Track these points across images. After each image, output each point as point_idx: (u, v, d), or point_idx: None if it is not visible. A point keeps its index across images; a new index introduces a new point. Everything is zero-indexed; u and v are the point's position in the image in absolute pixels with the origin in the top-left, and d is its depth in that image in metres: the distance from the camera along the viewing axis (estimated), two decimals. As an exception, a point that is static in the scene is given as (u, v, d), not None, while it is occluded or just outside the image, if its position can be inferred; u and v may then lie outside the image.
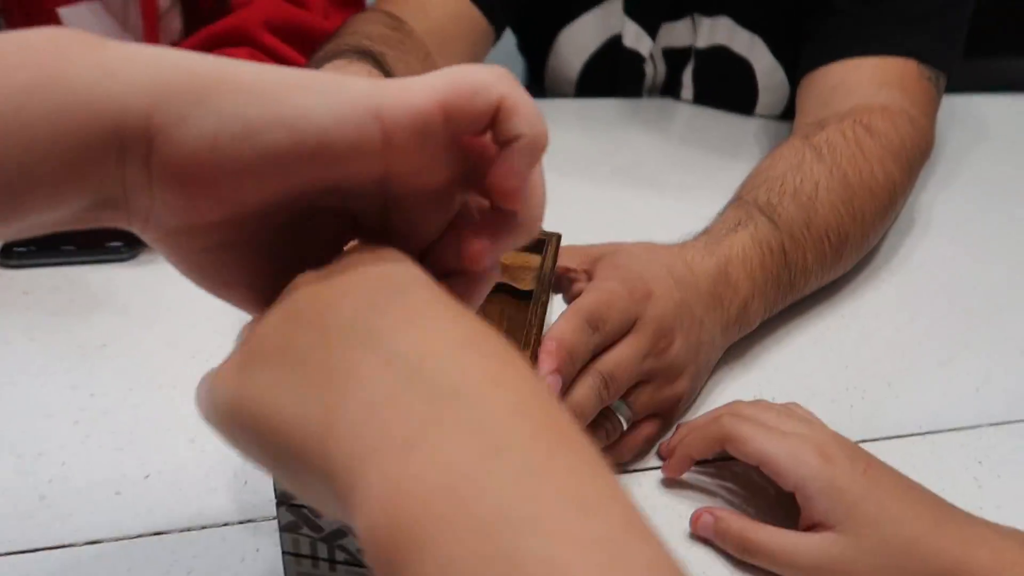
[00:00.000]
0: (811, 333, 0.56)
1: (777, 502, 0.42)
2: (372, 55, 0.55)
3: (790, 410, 0.43)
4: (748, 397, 0.50)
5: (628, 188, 0.71)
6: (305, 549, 0.34)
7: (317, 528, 0.33)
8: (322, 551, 0.34)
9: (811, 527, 0.38)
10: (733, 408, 0.43)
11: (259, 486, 0.41)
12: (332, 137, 0.22)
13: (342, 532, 0.33)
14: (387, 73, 0.54)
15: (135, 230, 0.24)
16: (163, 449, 0.43)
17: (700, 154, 0.77)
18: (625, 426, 0.42)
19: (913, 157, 0.62)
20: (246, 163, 0.22)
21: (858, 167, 0.57)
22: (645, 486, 0.44)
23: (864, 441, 0.47)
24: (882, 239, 0.65)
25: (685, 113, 0.85)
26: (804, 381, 0.52)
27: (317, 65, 0.54)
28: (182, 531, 0.39)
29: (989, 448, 0.48)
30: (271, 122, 0.21)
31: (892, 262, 0.64)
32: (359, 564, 0.34)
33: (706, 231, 0.53)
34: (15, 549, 0.37)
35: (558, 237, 0.45)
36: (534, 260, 0.44)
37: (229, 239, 0.24)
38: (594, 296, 0.41)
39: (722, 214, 0.55)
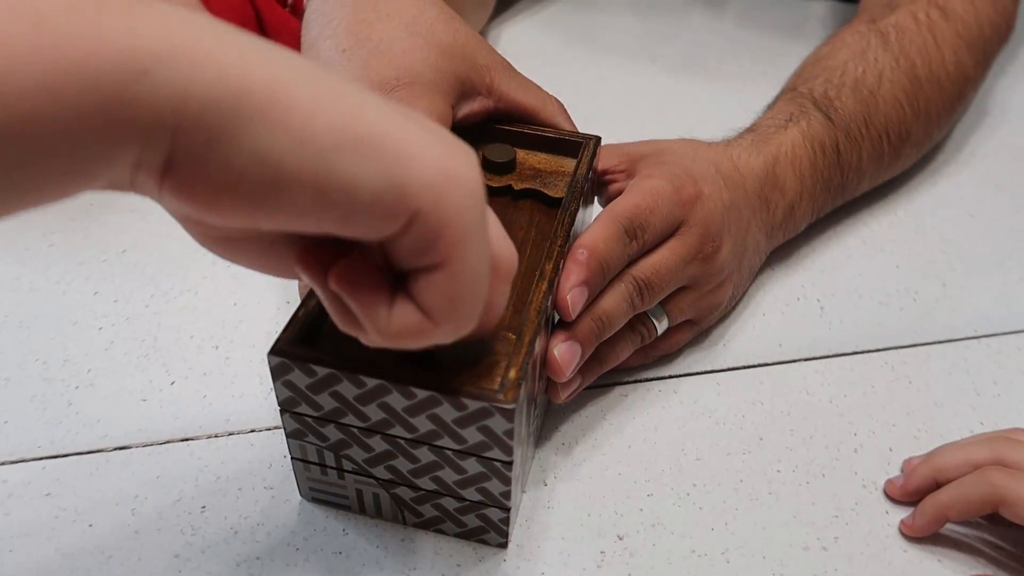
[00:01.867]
0: (861, 232, 0.53)
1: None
2: None
3: None
4: (792, 300, 0.48)
5: (681, 78, 0.66)
6: (313, 456, 0.33)
7: (322, 437, 0.32)
8: (329, 459, 0.33)
9: None
10: (998, 450, 0.35)
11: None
12: (356, 215, 0.21)
13: (347, 443, 0.32)
14: None
15: None
16: (187, 356, 0.42)
17: (758, 41, 0.72)
18: (659, 332, 0.40)
19: (990, 44, 0.56)
20: (262, 206, 0.20)
21: (928, 56, 0.52)
22: (681, 392, 0.42)
23: (916, 345, 0.45)
24: (947, 133, 0.60)
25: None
26: (852, 283, 0.49)
27: None
28: (209, 437, 0.39)
29: (1050, 352, 0.45)
30: (304, 180, 0.20)
31: (956, 156, 0.60)
32: (368, 475, 0.33)
33: (754, 127, 0.49)
34: (46, 454, 0.37)
35: (596, 140, 0.40)
36: (569, 165, 0.40)
37: (233, 237, 0.24)
38: (635, 199, 0.37)
39: (772, 107, 0.51)
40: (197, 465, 0.37)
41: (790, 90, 0.52)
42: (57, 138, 0.17)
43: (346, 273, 0.23)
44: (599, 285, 0.35)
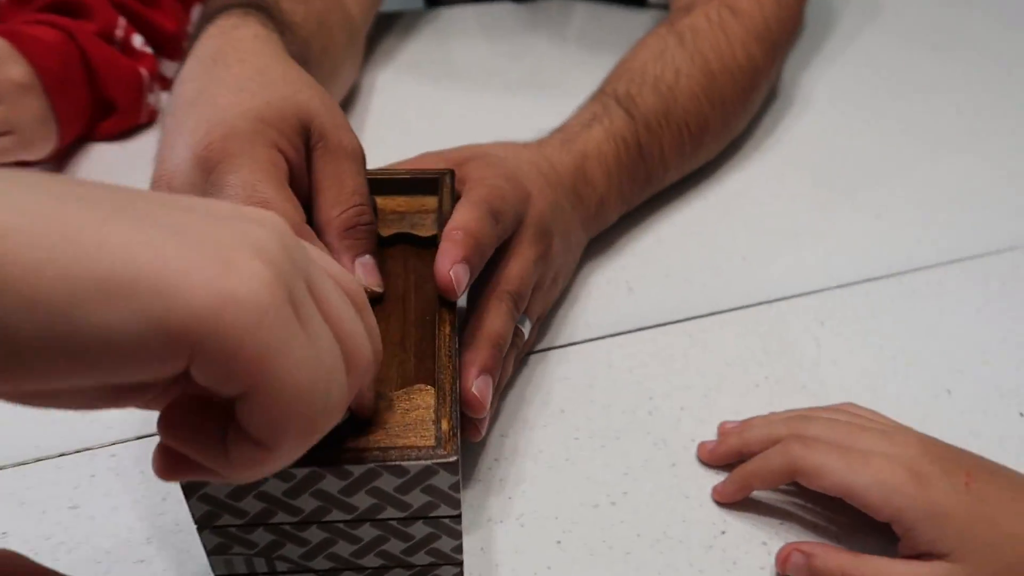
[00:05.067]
0: (673, 218, 0.57)
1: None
2: (264, 7, 0.45)
3: (860, 417, 0.38)
4: (612, 285, 0.51)
5: (521, 96, 0.70)
6: (241, 568, 0.31)
7: (250, 544, 0.30)
8: (260, 566, 0.31)
9: (917, 556, 0.34)
10: (794, 427, 0.37)
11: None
12: (123, 365, 0.18)
13: (279, 543, 0.30)
14: (283, 26, 0.45)
15: None
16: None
17: (595, 58, 0.76)
18: (526, 336, 0.42)
19: (778, 38, 0.62)
20: (12, 375, 0.18)
21: (720, 52, 0.57)
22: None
23: (713, 314, 0.49)
24: (756, 121, 0.65)
25: (581, 11, 0.83)
26: (661, 264, 0.53)
27: (200, 25, 0.44)
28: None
29: (832, 309, 0.50)
30: (47, 344, 0.18)
31: (764, 143, 0.65)
32: (307, 570, 0.31)
33: (562, 127, 0.52)
34: None
35: (451, 174, 0.40)
36: (430, 202, 0.40)
37: (43, 394, 0.21)
38: (486, 190, 0.38)
39: (580, 108, 0.54)
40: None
41: (598, 92, 0.56)
42: None
43: (170, 420, 0.22)
44: (478, 265, 0.36)
